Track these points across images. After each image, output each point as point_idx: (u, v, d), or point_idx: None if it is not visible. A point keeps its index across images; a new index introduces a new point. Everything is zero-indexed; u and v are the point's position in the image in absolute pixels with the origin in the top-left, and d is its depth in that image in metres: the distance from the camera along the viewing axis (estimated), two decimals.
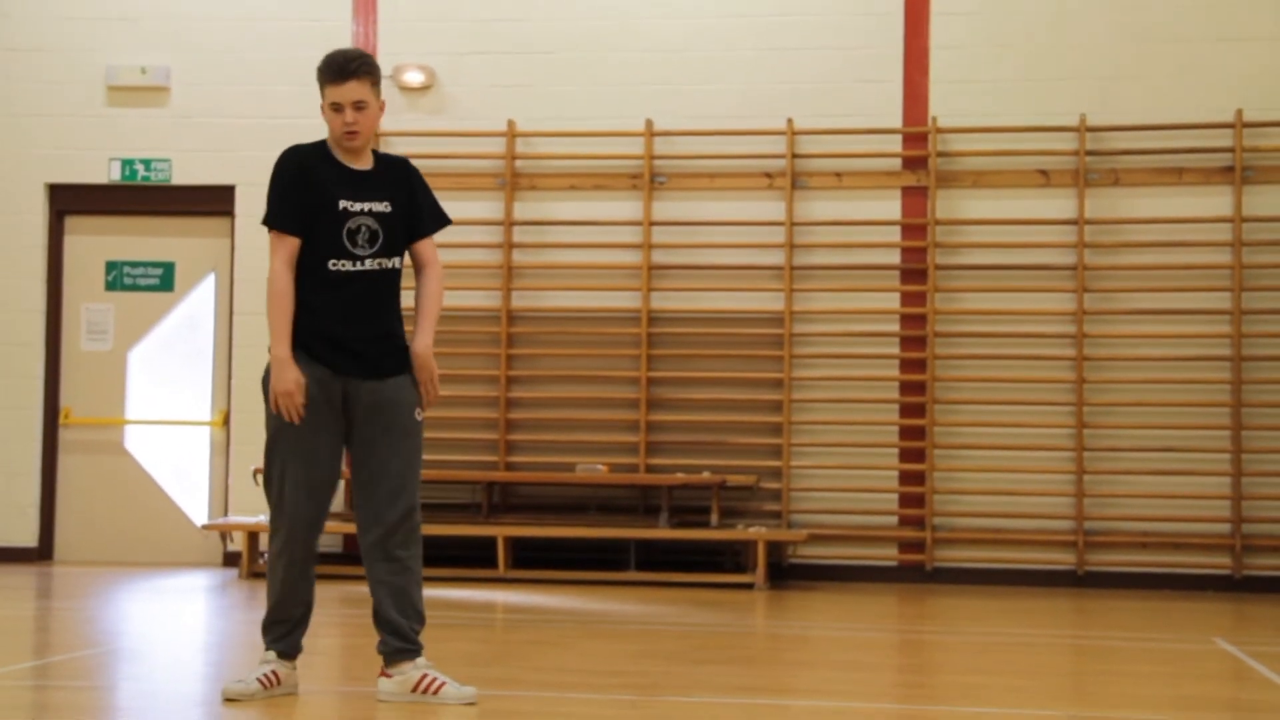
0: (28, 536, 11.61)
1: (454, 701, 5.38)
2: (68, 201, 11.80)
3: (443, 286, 5.64)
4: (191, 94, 11.59)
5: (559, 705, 5.64)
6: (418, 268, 5.64)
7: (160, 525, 11.62)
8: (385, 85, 11.39)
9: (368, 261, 5.44)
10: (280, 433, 5.43)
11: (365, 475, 5.47)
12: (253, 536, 10.76)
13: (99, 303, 11.76)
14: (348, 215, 5.42)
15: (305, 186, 5.41)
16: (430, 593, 9.79)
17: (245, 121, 11.44)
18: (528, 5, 11.55)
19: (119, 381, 11.71)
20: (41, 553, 11.63)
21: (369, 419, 5.46)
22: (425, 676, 5.44)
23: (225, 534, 11.21)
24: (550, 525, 10.84)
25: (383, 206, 5.48)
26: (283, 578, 5.48)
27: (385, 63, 11.50)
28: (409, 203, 5.57)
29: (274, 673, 5.49)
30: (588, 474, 10.96)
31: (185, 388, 11.70)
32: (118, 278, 11.76)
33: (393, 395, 5.47)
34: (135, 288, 11.69)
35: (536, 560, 10.84)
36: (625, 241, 11.36)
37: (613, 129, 11.35)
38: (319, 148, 5.52)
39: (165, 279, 11.71)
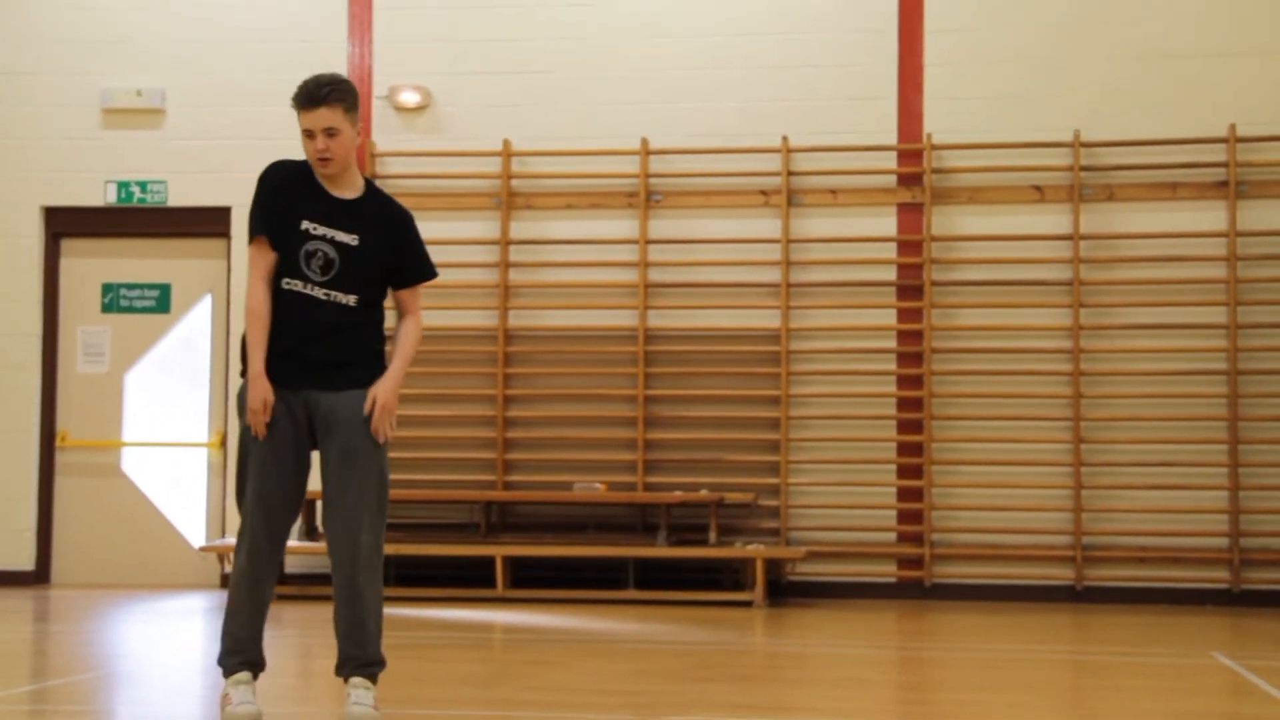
0: (25, 560, 11.60)
1: (353, 715, 5.30)
2: (63, 224, 11.81)
3: (419, 337, 5.59)
4: (187, 116, 11.60)
5: None
6: (399, 314, 5.60)
7: (158, 547, 11.61)
8: (381, 106, 11.51)
9: (317, 290, 5.36)
10: (249, 449, 5.42)
11: (326, 497, 5.43)
12: None
13: (95, 325, 11.76)
14: (307, 238, 5.37)
15: (279, 201, 5.40)
16: (429, 613, 9.83)
17: (241, 143, 11.45)
18: (523, 25, 11.57)
19: (115, 404, 11.71)
20: (39, 576, 11.62)
21: (326, 436, 5.41)
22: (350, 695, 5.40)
23: (223, 555, 11.17)
24: (548, 544, 10.83)
25: (348, 238, 5.41)
26: (246, 595, 5.44)
27: (380, 83, 11.53)
28: (388, 247, 5.47)
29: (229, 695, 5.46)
30: (586, 493, 10.95)
31: (182, 409, 11.70)
32: (114, 300, 11.76)
33: (348, 412, 5.37)
34: (131, 310, 11.70)
35: (535, 580, 10.84)
36: (622, 260, 11.37)
37: (608, 148, 11.37)
38: (305, 166, 5.48)
39: (161, 301, 11.71)
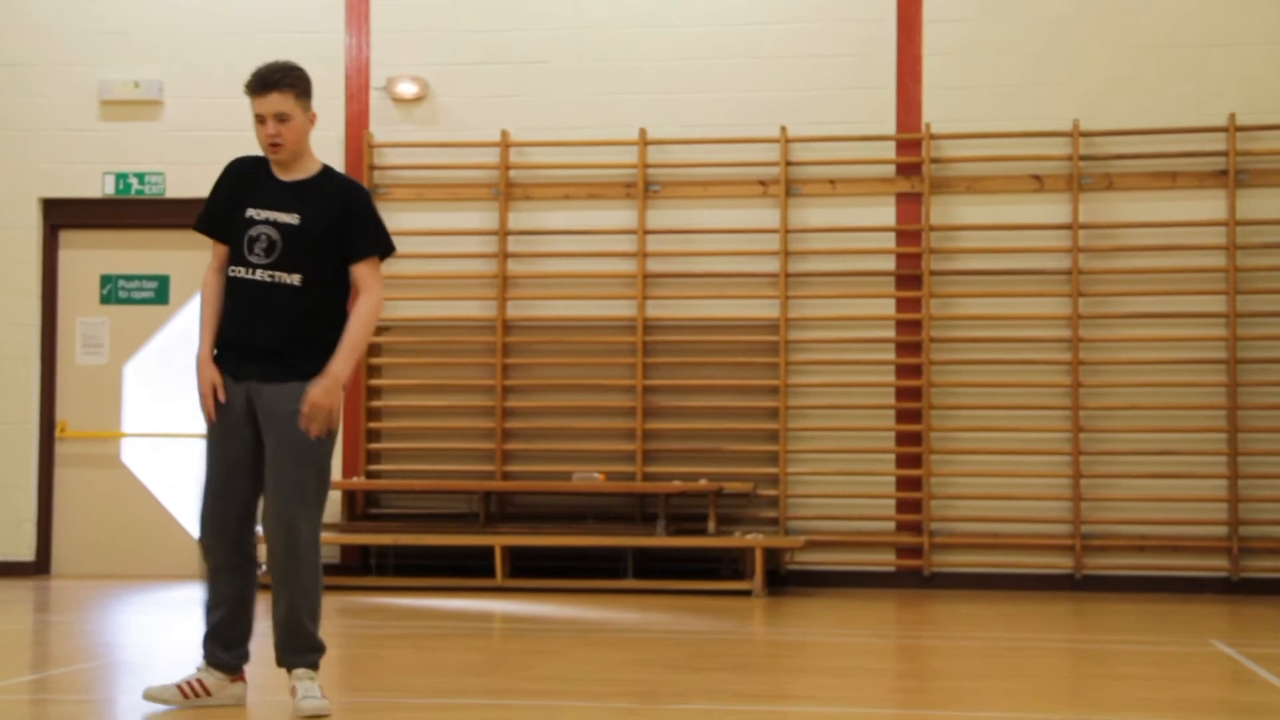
0: (25, 551, 11.60)
1: (304, 710, 5.35)
2: (62, 216, 11.80)
3: (372, 316, 5.51)
4: (184, 107, 11.59)
5: (557, 714, 5.63)
6: (354, 292, 5.60)
7: (158, 537, 11.61)
8: (378, 97, 11.51)
9: (259, 271, 5.42)
10: (206, 434, 5.53)
11: (265, 488, 5.47)
12: None
13: (94, 316, 11.76)
14: (251, 224, 5.45)
15: (223, 196, 5.53)
16: (427, 603, 9.83)
17: (238, 134, 11.27)
18: (520, 15, 11.56)
19: (115, 395, 11.70)
20: (39, 567, 11.62)
21: (265, 427, 5.44)
22: (294, 687, 5.45)
23: None
24: (547, 534, 10.83)
25: (290, 218, 5.45)
26: (207, 581, 5.52)
27: (378, 74, 11.52)
28: (332, 221, 5.46)
29: (199, 682, 5.52)
30: (584, 483, 10.96)
31: (181, 400, 11.68)
32: (112, 291, 11.76)
33: (286, 406, 5.40)
34: (130, 301, 11.70)
35: (534, 569, 10.84)
36: (620, 250, 11.37)
37: (606, 138, 11.36)
38: (262, 159, 5.57)
39: (160, 292, 11.71)
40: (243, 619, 5.55)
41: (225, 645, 5.53)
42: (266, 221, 5.44)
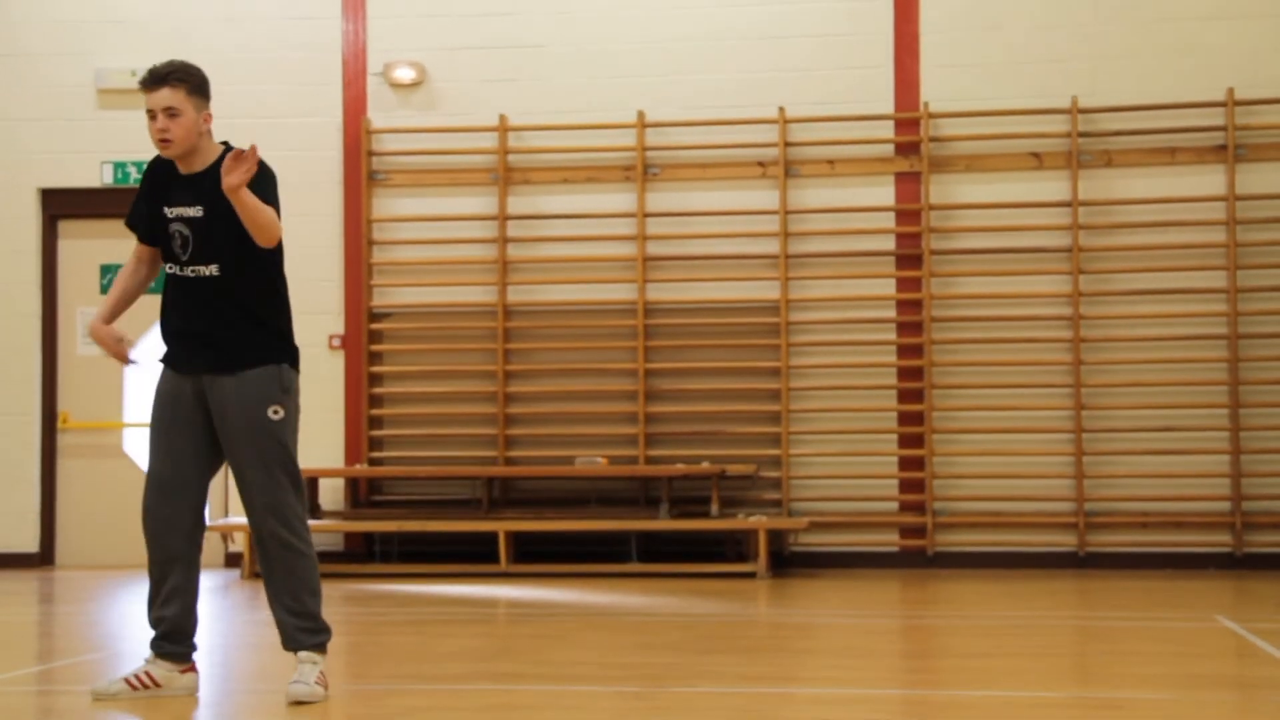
0: (29, 542, 11.61)
1: (291, 694, 5.34)
2: (60, 206, 11.80)
3: (274, 218, 5.38)
4: None
5: (564, 698, 5.64)
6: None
7: None
8: (376, 83, 11.49)
9: (185, 269, 5.52)
10: (150, 427, 5.58)
11: (235, 478, 5.53)
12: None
13: (94, 306, 11.73)
14: (168, 222, 5.54)
15: (148, 196, 5.59)
16: (432, 589, 9.84)
17: (236, 121, 11.37)
18: None
19: (116, 385, 11.70)
20: (43, 558, 11.63)
21: (220, 419, 5.48)
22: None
23: (226, 535, 11.21)
24: (551, 519, 10.84)
25: (194, 212, 5.50)
26: (155, 574, 5.51)
27: (375, 60, 11.50)
28: (229, 208, 5.41)
29: (147, 674, 5.50)
30: (587, 467, 10.96)
31: None
32: (112, 281, 11.73)
33: (238, 393, 5.45)
34: None
35: (538, 554, 10.85)
36: (620, 234, 11.36)
37: (605, 121, 11.34)
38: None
39: (160, 282, 11.67)
40: (192, 610, 5.56)
41: (176, 638, 5.53)
42: (179, 219, 5.52)
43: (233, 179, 5.28)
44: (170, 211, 5.52)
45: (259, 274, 5.54)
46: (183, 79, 5.52)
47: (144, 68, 5.65)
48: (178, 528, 5.49)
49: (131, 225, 5.67)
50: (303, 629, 5.51)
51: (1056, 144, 11.01)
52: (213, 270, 5.50)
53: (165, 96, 5.48)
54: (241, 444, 5.45)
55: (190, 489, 5.50)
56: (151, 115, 5.48)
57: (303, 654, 5.49)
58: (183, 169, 5.55)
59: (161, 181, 5.58)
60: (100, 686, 5.49)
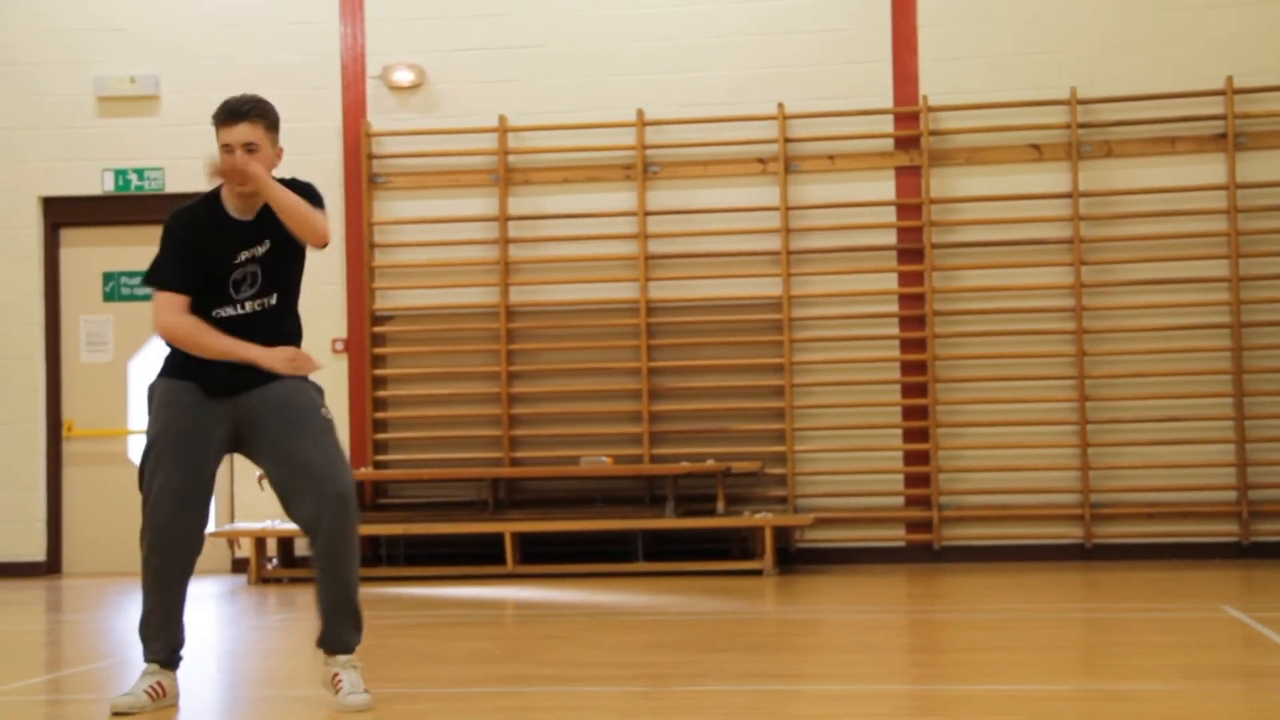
0: (35, 550, 11.62)
1: (350, 705, 5.30)
2: (62, 214, 11.80)
3: (312, 215, 5.37)
4: (181, 101, 11.57)
5: (572, 699, 5.64)
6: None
7: None
8: (375, 85, 11.49)
9: (247, 305, 5.44)
10: (158, 439, 5.40)
11: (288, 475, 5.40)
12: (260, 543, 10.78)
13: (97, 314, 11.76)
14: (234, 268, 5.41)
15: (193, 248, 5.41)
16: (439, 591, 9.84)
17: None
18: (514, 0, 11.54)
19: (120, 392, 11.71)
20: (50, 566, 11.65)
21: (271, 419, 5.40)
22: (337, 675, 5.41)
23: (233, 541, 11.20)
24: (557, 519, 10.84)
25: (263, 249, 5.42)
26: (150, 584, 5.43)
27: (374, 63, 11.51)
28: (288, 233, 5.41)
29: (159, 684, 5.45)
30: (592, 467, 10.96)
31: None
32: (115, 289, 11.76)
33: (294, 395, 5.42)
34: (133, 298, 11.69)
35: (544, 555, 10.85)
36: (621, 233, 11.36)
37: (604, 120, 11.34)
38: (209, 201, 5.50)
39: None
40: (184, 617, 5.54)
41: (175, 646, 5.50)
42: (249, 260, 5.42)
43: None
44: (241, 255, 5.41)
45: (296, 293, 5.58)
46: (261, 115, 5.44)
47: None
48: (195, 541, 5.45)
49: (179, 287, 5.41)
50: (355, 628, 5.48)
51: (1056, 135, 11.00)
52: (273, 300, 5.47)
53: (245, 132, 5.40)
54: (304, 439, 5.37)
55: (204, 502, 5.46)
56: (228, 149, 5.38)
57: (342, 657, 5.43)
58: (242, 205, 5.44)
59: (205, 230, 5.43)
60: (122, 701, 5.36)
